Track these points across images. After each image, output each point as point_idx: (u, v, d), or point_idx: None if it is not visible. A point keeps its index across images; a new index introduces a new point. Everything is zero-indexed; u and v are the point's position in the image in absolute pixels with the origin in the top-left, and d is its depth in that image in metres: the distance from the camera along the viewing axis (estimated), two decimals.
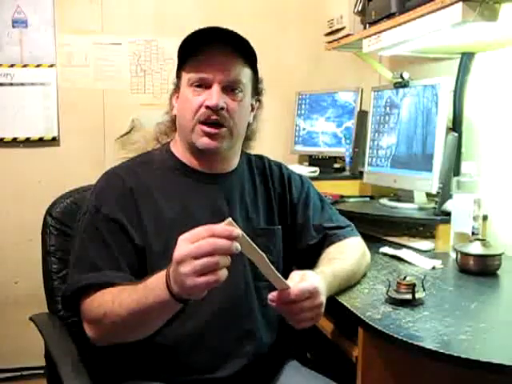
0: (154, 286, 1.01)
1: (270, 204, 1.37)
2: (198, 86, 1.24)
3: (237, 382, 1.22)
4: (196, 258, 0.90)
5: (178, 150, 1.32)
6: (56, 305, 1.44)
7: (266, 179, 1.40)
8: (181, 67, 1.28)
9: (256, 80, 1.33)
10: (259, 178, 1.39)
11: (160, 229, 1.20)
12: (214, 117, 1.23)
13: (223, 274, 0.92)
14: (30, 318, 1.44)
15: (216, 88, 1.22)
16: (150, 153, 1.36)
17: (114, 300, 1.08)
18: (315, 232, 1.39)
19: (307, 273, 1.13)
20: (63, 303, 1.23)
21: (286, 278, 1.08)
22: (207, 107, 1.22)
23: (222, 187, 1.31)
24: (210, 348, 1.21)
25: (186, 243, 0.91)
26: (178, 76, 1.30)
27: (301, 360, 1.40)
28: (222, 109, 1.23)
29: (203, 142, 1.24)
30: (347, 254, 1.34)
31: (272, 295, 1.06)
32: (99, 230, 1.18)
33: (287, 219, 1.39)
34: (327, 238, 1.38)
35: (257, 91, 1.34)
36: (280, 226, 1.37)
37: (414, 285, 1.21)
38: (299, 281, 1.08)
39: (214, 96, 1.21)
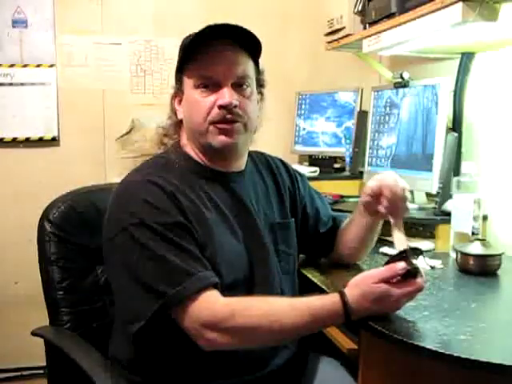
0: (326, 313, 1.09)
1: (282, 198, 1.38)
2: (205, 87, 1.20)
3: (284, 375, 1.26)
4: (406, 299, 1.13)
5: (191, 151, 1.27)
6: (61, 316, 1.35)
7: (273, 173, 1.39)
8: (181, 70, 1.24)
9: (258, 72, 1.29)
10: (266, 173, 1.38)
11: (205, 230, 1.16)
12: (228, 116, 1.19)
13: None
14: (34, 333, 1.34)
15: (226, 86, 1.19)
16: (166, 155, 1.28)
17: (269, 315, 1.07)
18: (326, 220, 1.47)
19: None
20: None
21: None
22: (220, 107, 1.18)
23: (241, 185, 1.29)
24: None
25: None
26: (179, 79, 1.26)
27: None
28: (235, 106, 1.19)
29: (220, 140, 1.20)
30: None
31: None
32: (167, 237, 1.10)
33: (297, 211, 1.42)
34: (336, 222, 1.48)
35: (259, 83, 1.30)
36: (293, 219, 1.39)
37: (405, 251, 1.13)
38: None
39: (226, 94, 1.18)
